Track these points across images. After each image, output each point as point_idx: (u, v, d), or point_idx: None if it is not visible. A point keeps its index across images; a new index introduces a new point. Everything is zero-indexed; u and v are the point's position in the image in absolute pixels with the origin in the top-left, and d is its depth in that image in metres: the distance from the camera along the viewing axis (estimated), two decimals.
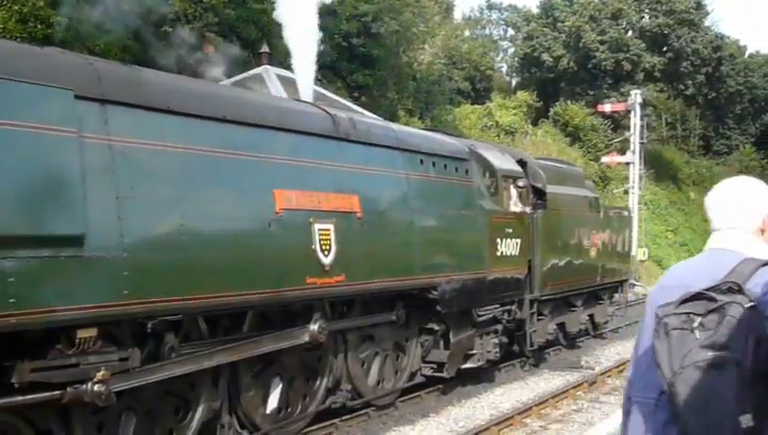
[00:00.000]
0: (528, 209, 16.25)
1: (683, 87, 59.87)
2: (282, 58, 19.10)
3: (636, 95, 44.12)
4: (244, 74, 14.52)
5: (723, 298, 2.58)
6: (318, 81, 16.30)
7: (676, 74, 58.19)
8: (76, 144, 7.37)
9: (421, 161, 13.05)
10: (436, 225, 13.20)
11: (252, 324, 10.11)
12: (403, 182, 12.50)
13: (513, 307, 15.88)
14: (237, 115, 9.58)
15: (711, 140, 71.02)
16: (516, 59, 61.41)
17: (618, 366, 17.56)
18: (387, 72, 33.12)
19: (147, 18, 18.37)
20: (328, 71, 28.76)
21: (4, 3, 16.74)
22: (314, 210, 10.40)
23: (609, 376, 16.74)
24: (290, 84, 13.50)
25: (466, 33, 57.26)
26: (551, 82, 57.36)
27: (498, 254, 14.91)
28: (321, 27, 14.29)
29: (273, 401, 10.76)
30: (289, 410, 11.15)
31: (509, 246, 15.33)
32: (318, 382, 11.71)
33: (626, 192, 44.24)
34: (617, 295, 22.87)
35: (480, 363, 15.18)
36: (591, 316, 21.10)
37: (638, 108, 43.72)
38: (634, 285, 35.24)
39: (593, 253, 19.79)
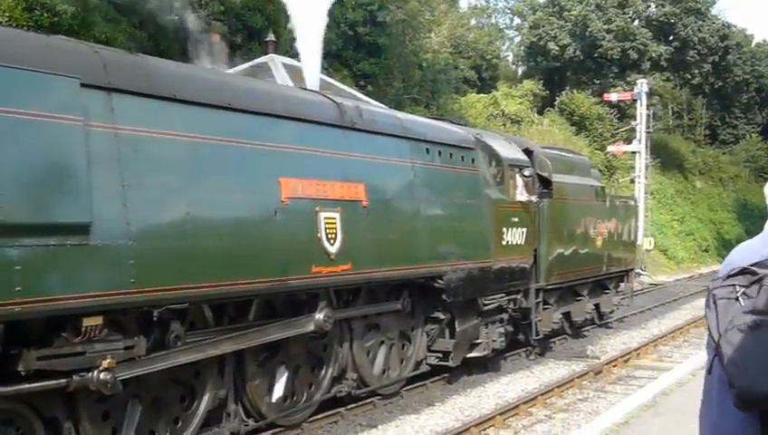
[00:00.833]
0: (534, 198, 16.25)
1: (689, 76, 59.73)
2: (287, 47, 19.10)
3: (642, 84, 44.01)
4: (251, 63, 14.52)
5: (763, 271, 2.85)
6: (324, 69, 16.28)
7: (683, 63, 58.03)
8: (82, 132, 7.37)
9: (427, 150, 13.03)
10: (442, 214, 13.19)
11: (257, 313, 10.11)
12: (409, 171, 12.48)
13: (519, 296, 15.88)
14: (243, 103, 9.57)
15: (717, 130, 70.80)
16: (522, 48, 61.20)
17: (623, 356, 17.56)
18: (393, 61, 33.13)
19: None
20: (334, 59, 28.77)
21: None
22: (320, 199, 10.40)
23: (614, 365, 16.73)
24: (296, 73, 13.51)
25: (472, 21, 57.12)
26: (557, 71, 57.24)
27: (504, 243, 14.90)
28: (328, 16, 14.26)
29: (278, 390, 10.76)
30: (294, 398, 11.17)
31: (515, 235, 15.32)
32: (323, 371, 11.72)
33: (632, 181, 44.17)
34: (623, 285, 22.84)
35: (485, 352, 15.17)
36: (597, 306, 21.10)
37: (644, 97, 43.62)
38: (640, 274, 35.25)
39: (599, 242, 19.77)
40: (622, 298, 23.05)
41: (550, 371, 16.53)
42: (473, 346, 14.88)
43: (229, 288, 9.01)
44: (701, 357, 15.34)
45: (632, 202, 25.39)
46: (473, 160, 14.30)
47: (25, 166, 6.88)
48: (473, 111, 40.67)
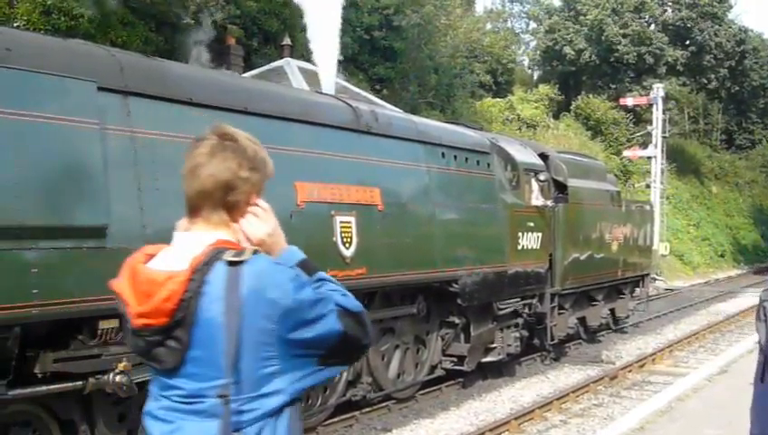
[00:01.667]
0: (549, 203, 16.21)
1: (706, 81, 59.51)
2: (303, 51, 19.12)
3: (658, 89, 43.96)
4: (267, 66, 14.54)
5: None
6: (339, 73, 16.30)
7: (699, 68, 57.83)
8: (99, 135, 7.40)
9: (443, 154, 13.03)
10: (458, 218, 13.18)
11: None
12: (424, 175, 12.48)
13: (534, 301, 15.85)
14: (259, 107, 9.58)
15: (734, 135, 70.56)
16: (538, 52, 61.12)
17: (639, 361, 17.50)
18: (408, 65, 33.13)
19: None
20: (349, 63, 28.78)
21: None
22: (336, 203, 10.40)
23: (629, 371, 16.67)
24: (312, 77, 13.51)
25: (488, 26, 57.07)
26: (572, 75, 57.14)
27: (519, 247, 14.88)
28: (343, 20, 14.28)
29: None
30: (309, 402, 11.16)
31: (530, 240, 15.30)
32: (338, 375, 11.72)
33: (647, 186, 44.07)
34: (638, 290, 22.79)
35: (500, 357, 15.15)
36: (612, 310, 21.04)
37: (660, 102, 43.56)
38: (655, 279, 35.13)
39: (614, 247, 19.71)
40: (638, 303, 23.00)
41: (565, 375, 16.49)
42: (488, 351, 14.85)
43: None
44: (717, 363, 15.32)
45: (648, 207, 25.32)
46: (488, 165, 14.28)
47: (42, 169, 6.91)
48: (488, 115, 40.65)
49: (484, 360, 14.88)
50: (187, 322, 2.66)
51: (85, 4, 16.89)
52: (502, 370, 15.88)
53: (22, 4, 16.81)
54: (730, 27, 58.92)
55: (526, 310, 15.63)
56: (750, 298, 32.37)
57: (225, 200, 2.82)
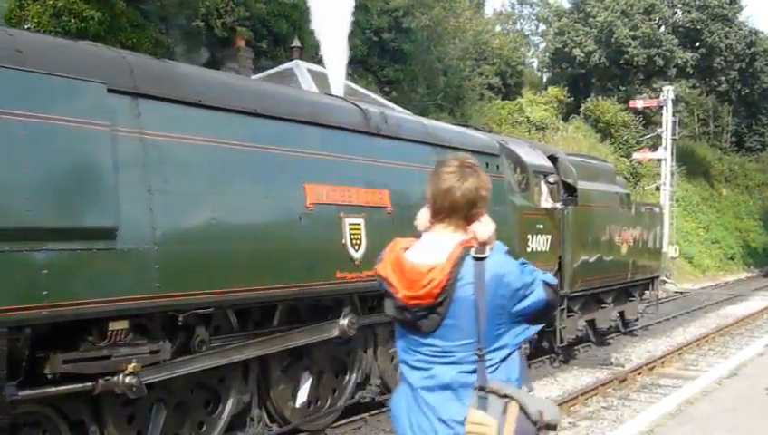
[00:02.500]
0: (559, 205, 16.19)
1: (716, 83, 59.42)
2: (312, 53, 19.15)
3: (668, 91, 43.87)
4: (276, 68, 14.56)
5: None
6: (348, 75, 16.32)
7: (709, 70, 57.72)
8: (109, 137, 7.42)
9: None
10: None
11: (282, 318, 10.13)
12: None
13: None
14: (269, 109, 9.58)
15: (744, 137, 70.33)
16: (547, 54, 61.12)
17: (648, 363, 17.46)
18: (417, 67, 33.16)
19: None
20: (358, 65, 28.82)
21: None
22: (345, 205, 10.40)
23: (638, 374, 16.62)
24: (321, 79, 13.53)
25: (497, 28, 57.06)
26: (582, 77, 57.11)
27: (529, 250, 14.85)
28: (352, 22, 14.28)
29: (302, 395, 10.78)
30: (318, 403, 11.17)
31: (539, 242, 15.28)
32: (347, 377, 11.71)
33: (657, 189, 43.99)
34: (647, 292, 22.73)
35: None
36: (622, 313, 21.00)
37: (670, 104, 43.49)
38: (665, 282, 35.07)
39: (624, 249, 19.67)
40: (647, 306, 22.95)
41: (574, 378, 16.46)
42: None
43: (254, 293, 9.03)
44: (727, 366, 15.27)
45: (657, 209, 25.25)
46: (497, 167, 14.27)
47: (53, 170, 6.93)
48: (497, 117, 40.64)
49: None
50: (446, 300, 3.81)
51: (95, 6, 16.95)
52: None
53: (32, 6, 16.87)
54: (740, 29, 58.78)
55: None
56: (760, 301, 32.31)
57: (468, 212, 3.99)
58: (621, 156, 46.31)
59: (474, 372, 3.81)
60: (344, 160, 10.68)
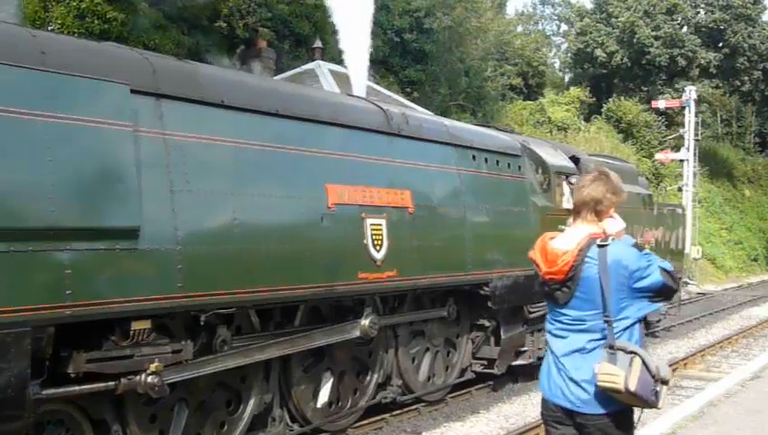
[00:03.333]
0: None
1: (739, 83, 59.06)
2: (334, 54, 19.18)
3: (691, 91, 43.66)
4: (298, 69, 14.60)
5: None
6: (370, 76, 16.34)
7: (732, 70, 57.39)
8: (132, 138, 7.45)
9: (473, 157, 13.00)
10: (488, 221, 13.14)
11: (303, 318, 10.15)
12: (455, 178, 12.46)
13: None
14: (290, 110, 9.60)
15: (767, 138, 69.92)
16: (569, 54, 60.99)
17: (670, 365, 17.37)
18: (439, 68, 33.12)
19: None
20: (380, 66, 28.83)
21: None
22: (366, 205, 10.40)
23: None
24: (342, 79, 13.55)
25: (519, 28, 57.02)
26: (604, 77, 56.92)
27: None
28: (374, 22, 14.30)
29: (323, 395, 10.80)
30: (339, 404, 11.18)
31: None
32: (368, 377, 11.72)
33: (680, 189, 43.78)
34: None
35: (531, 360, 15.07)
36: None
37: (692, 104, 43.28)
38: (687, 283, 34.89)
39: (646, 250, 19.57)
40: (669, 307, 22.83)
41: None
42: (518, 354, 14.80)
43: (276, 293, 9.04)
44: (750, 368, 15.17)
45: (680, 210, 25.15)
46: (519, 167, 14.24)
47: (76, 171, 6.96)
48: (519, 117, 40.56)
49: (515, 363, 14.82)
50: (575, 278, 4.92)
51: (118, 8, 17.05)
52: (532, 373, 15.78)
53: (56, 7, 16.98)
54: (764, 29, 58.35)
55: None
56: None
57: (595, 208, 5.08)
58: (643, 156, 46.13)
59: (601, 339, 4.86)
60: (366, 161, 10.68)
